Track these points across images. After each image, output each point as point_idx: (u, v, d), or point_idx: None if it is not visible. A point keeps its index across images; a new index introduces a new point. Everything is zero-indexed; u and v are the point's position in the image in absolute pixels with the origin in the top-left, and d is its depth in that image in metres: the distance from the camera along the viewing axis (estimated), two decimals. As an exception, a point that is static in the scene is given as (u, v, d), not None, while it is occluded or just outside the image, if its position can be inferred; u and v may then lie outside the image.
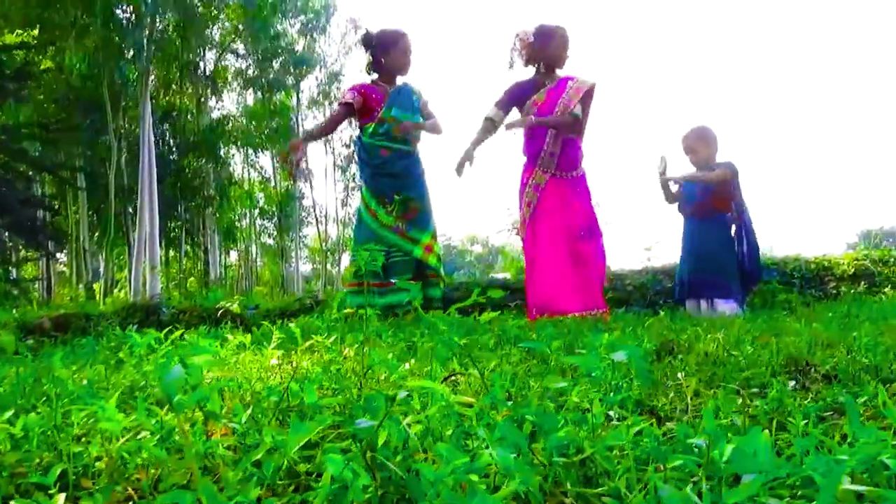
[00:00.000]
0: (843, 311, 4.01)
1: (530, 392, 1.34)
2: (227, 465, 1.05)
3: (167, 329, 2.48)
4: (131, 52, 19.20)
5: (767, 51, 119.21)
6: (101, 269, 21.14)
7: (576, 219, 4.68)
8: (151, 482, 1.07)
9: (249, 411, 1.22)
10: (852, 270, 6.37)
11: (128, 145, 21.34)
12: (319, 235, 31.71)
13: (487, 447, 0.94)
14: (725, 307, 4.83)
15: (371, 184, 4.76)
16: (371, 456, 0.84)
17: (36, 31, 17.85)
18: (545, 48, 4.82)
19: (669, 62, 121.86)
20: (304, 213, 32.66)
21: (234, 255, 35.14)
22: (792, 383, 1.64)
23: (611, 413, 1.16)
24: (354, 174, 27.90)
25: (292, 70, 27.77)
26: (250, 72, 27.37)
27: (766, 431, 0.96)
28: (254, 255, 34.54)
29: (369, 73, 4.90)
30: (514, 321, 3.56)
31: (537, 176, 4.73)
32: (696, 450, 0.97)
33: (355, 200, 31.80)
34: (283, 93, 28.41)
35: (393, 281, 4.68)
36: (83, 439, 1.28)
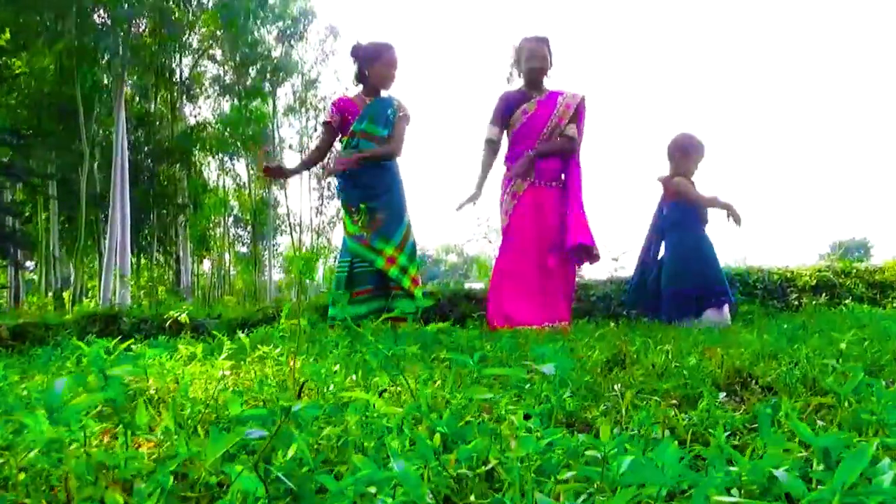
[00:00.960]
0: (799, 322, 4.06)
1: (453, 403, 1.35)
2: (142, 477, 1.05)
3: (116, 340, 2.46)
4: (105, 58, 19.01)
5: (747, 60, 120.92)
6: (72, 278, 20.85)
7: (550, 230, 4.69)
8: (67, 495, 1.06)
9: (172, 423, 1.21)
10: (814, 282, 6.46)
11: (101, 151, 21.11)
12: (293, 244, 31.57)
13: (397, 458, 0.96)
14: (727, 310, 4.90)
15: (342, 194, 4.77)
16: (264, 468, 0.84)
17: (7, 35, 17.63)
18: (521, 61, 4.91)
19: (648, 78, 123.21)
20: (278, 221, 32.49)
21: (207, 264, 34.86)
22: (723, 395, 1.66)
23: (531, 424, 1.17)
24: (329, 182, 27.80)
25: (269, 77, 27.67)
26: (227, 78, 27.24)
27: (676, 444, 0.98)
28: (227, 264, 34.28)
29: (356, 85, 4.93)
30: (472, 332, 3.58)
31: (516, 184, 4.74)
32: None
33: (330, 209, 31.74)
34: (259, 99, 28.31)
35: (358, 291, 4.67)
36: (6, 452, 1.27)
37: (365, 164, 4.65)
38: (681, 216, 4.95)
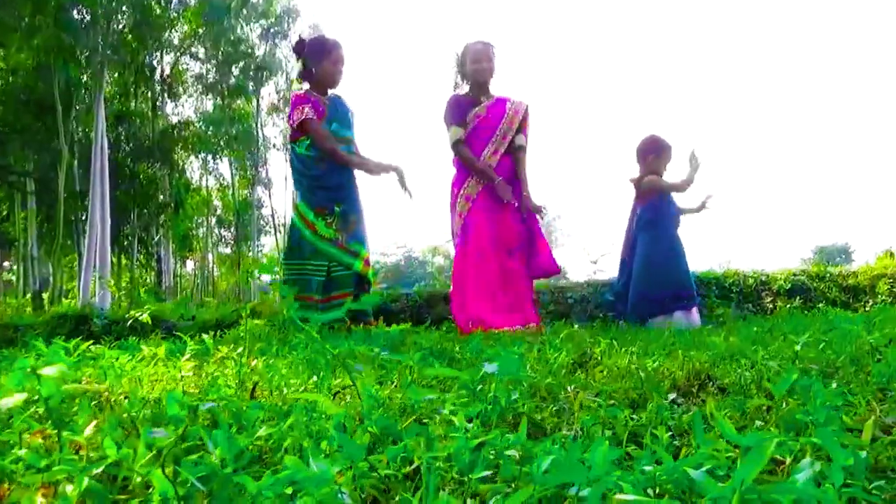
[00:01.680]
0: (767, 325, 4.09)
1: (393, 404, 1.35)
2: (70, 479, 1.04)
3: (77, 340, 2.44)
4: (86, 54, 18.85)
5: (734, 67, 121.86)
6: (51, 278, 20.65)
7: (508, 231, 4.70)
8: (-4, 496, 1.05)
9: (109, 424, 1.20)
10: (789, 286, 6.52)
11: (80, 150, 20.90)
12: (278, 245, 31.45)
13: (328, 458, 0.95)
14: (697, 314, 4.93)
15: (308, 196, 4.65)
16: (172, 469, 0.83)
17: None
18: (466, 65, 4.92)
19: (635, 83, 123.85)
20: (262, 222, 32.36)
21: (190, 265, 34.69)
22: (672, 396, 1.66)
23: (470, 425, 1.17)
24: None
25: (252, 75, 27.54)
26: (210, 76, 27.09)
27: (607, 444, 0.98)
28: (211, 265, 34.10)
29: (300, 82, 4.85)
30: (436, 334, 3.58)
31: (470, 186, 4.73)
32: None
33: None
34: (243, 98, 28.19)
35: (335, 295, 4.64)
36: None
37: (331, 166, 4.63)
38: (653, 217, 4.97)
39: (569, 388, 1.78)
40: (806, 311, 5.92)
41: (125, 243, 23.88)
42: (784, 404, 1.32)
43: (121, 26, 20.78)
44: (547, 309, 5.95)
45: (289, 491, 0.81)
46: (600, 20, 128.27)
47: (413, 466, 0.95)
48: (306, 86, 4.81)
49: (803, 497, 0.76)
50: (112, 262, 21.47)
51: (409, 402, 1.34)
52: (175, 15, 23.27)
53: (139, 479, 1.00)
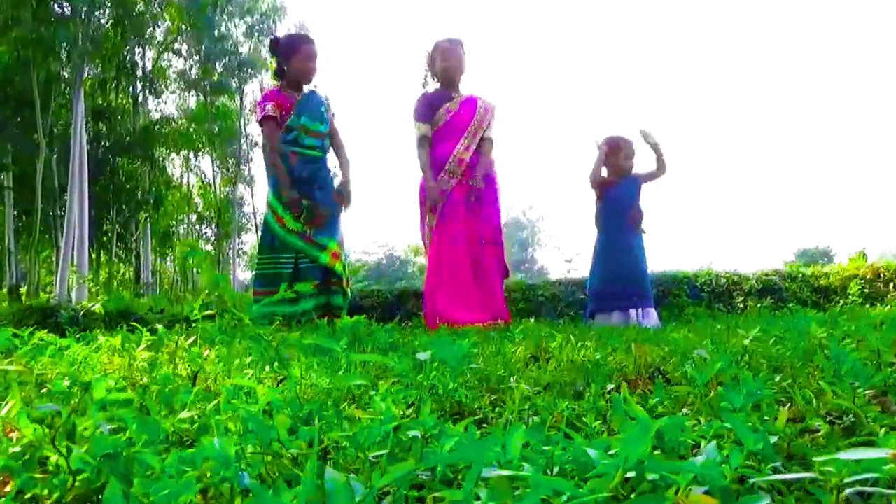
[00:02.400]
0: (732, 324, 4.13)
1: (317, 389, 1.35)
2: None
3: (29, 331, 2.43)
4: (66, 49, 18.67)
5: (722, 71, 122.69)
6: (28, 272, 20.47)
7: (480, 226, 4.73)
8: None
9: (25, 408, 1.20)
10: (760, 286, 6.58)
11: (60, 144, 20.70)
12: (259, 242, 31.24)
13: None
14: (655, 315, 4.95)
15: (277, 190, 4.68)
16: (66, 446, 0.84)
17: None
18: (436, 63, 4.98)
19: (625, 84, 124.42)
20: (244, 220, 32.22)
21: (170, 261, 34.45)
22: (611, 387, 1.68)
23: (400, 412, 1.18)
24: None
25: (236, 73, 27.39)
26: (193, 72, 26.92)
27: (524, 428, 0.99)
28: (192, 261, 33.88)
29: (275, 80, 4.90)
30: (398, 328, 3.59)
31: (443, 181, 4.75)
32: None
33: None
34: (226, 95, 28.04)
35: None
36: None
37: (306, 157, 4.66)
38: (607, 216, 5.03)
39: (512, 380, 1.79)
40: (776, 311, 5.99)
41: (104, 239, 23.69)
42: (712, 392, 1.34)
43: (102, 21, 20.62)
44: (517, 307, 5.98)
45: (193, 472, 0.82)
46: (581, 22, 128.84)
47: (323, 446, 0.96)
48: (280, 83, 4.88)
49: (698, 474, 0.78)
50: (91, 257, 21.31)
51: (337, 388, 1.34)
52: (158, 10, 23.13)
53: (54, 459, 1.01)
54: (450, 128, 4.83)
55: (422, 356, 1.28)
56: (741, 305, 6.40)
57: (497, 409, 1.58)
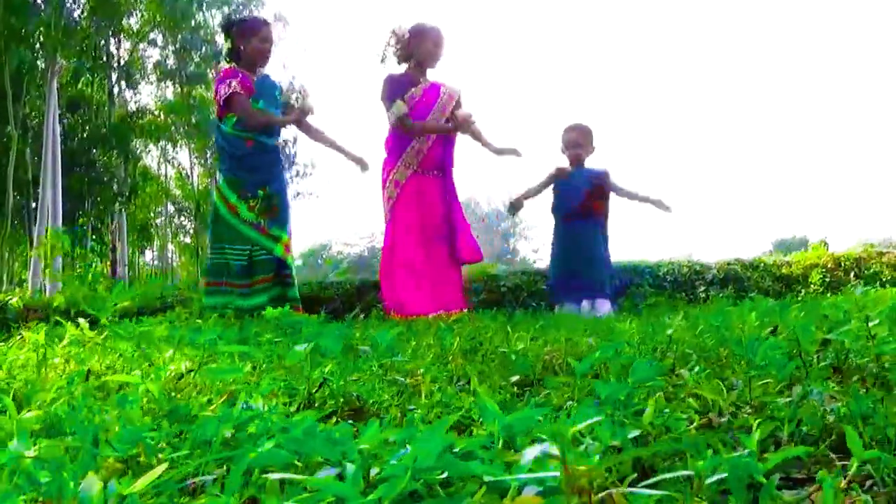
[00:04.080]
0: (683, 314, 4.13)
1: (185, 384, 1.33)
2: None
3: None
4: (39, 39, 18.38)
5: (712, 63, 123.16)
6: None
7: (436, 217, 4.71)
8: None
9: None
10: (722, 275, 6.61)
11: (33, 135, 20.41)
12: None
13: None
14: (607, 306, 4.95)
15: (231, 178, 4.60)
16: None
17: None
18: (419, 46, 4.86)
19: (617, 72, 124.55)
20: (223, 211, 31.93)
21: (149, 254, 34.21)
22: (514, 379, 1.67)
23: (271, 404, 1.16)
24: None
25: (213, 63, 27.09)
26: (169, 63, 26.61)
27: (378, 423, 0.97)
28: (170, 254, 33.63)
29: (228, 61, 4.82)
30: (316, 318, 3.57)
31: (399, 171, 4.73)
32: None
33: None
34: (203, 86, 27.73)
35: (258, 280, 4.59)
36: None
37: (259, 143, 4.60)
38: (562, 206, 5.05)
39: (419, 372, 1.77)
40: (737, 301, 6.01)
41: (79, 232, 23.42)
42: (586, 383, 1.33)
43: (76, 12, 20.33)
44: (479, 297, 5.96)
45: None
46: (571, 15, 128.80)
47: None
48: (233, 64, 4.80)
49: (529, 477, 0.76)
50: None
51: (209, 380, 1.32)
52: (133, 1, 22.83)
53: None
54: (411, 115, 4.78)
55: (299, 348, 1.26)
56: (703, 295, 6.42)
57: (388, 403, 1.54)
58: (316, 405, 1.36)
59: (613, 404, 1.18)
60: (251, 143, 4.60)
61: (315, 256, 50.07)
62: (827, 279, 6.63)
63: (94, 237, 23.61)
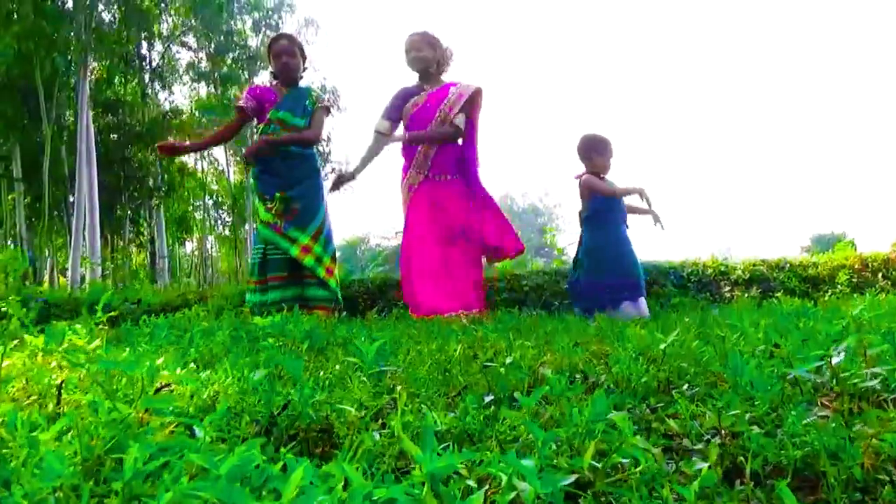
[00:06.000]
0: (700, 317, 4.05)
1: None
2: None
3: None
4: (73, 43, 18.69)
5: (738, 62, 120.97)
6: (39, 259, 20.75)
7: (448, 221, 4.71)
8: None
9: None
10: (747, 276, 6.48)
11: (69, 135, 20.84)
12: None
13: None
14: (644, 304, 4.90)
15: (257, 181, 4.82)
16: None
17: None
18: (405, 57, 4.97)
19: (639, 71, 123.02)
20: (259, 205, 32.30)
21: (189, 246, 34.80)
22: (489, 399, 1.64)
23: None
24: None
25: (245, 65, 27.37)
26: (202, 65, 26.98)
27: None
28: (209, 247, 34.13)
29: (273, 81, 5.04)
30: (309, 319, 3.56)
31: (411, 176, 4.80)
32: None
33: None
34: (236, 87, 28.03)
35: (270, 277, 4.69)
36: None
37: (278, 150, 4.68)
38: (593, 212, 4.94)
39: (398, 388, 1.75)
40: (763, 301, 5.88)
41: (117, 225, 23.89)
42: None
43: (107, 16, 20.68)
44: (501, 296, 5.93)
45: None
46: (599, 16, 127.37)
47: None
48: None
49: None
50: (106, 242, 21.52)
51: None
52: (164, 6, 23.18)
53: None
54: (414, 121, 4.87)
55: (260, 373, 1.24)
56: (728, 295, 6.30)
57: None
58: (276, 428, 1.35)
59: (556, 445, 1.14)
60: (274, 150, 4.75)
61: (353, 248, 50.42)
62: (854, 280, 6.46)
63: (132, 230, 24.08)
